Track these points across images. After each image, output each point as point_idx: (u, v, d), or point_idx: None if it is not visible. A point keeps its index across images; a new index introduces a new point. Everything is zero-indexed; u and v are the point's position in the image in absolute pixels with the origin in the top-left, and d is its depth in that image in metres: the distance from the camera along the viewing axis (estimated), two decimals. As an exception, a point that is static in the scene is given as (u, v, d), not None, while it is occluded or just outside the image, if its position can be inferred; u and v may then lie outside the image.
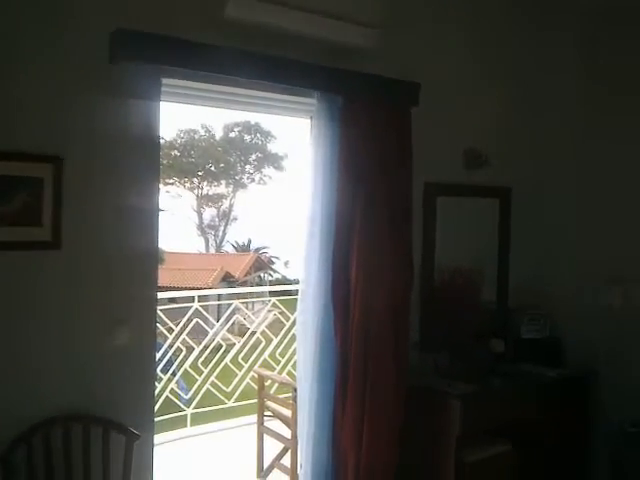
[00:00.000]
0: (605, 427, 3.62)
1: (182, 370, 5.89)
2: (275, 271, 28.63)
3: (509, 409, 3.42)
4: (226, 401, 5.87)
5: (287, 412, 4.14)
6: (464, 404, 3.15)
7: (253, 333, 6.23)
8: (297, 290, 3.18)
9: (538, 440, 3.52)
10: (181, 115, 24.34)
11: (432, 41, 3.63)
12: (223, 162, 28.48)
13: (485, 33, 3.87)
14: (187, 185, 28.75)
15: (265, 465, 4.43)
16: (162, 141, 3.01)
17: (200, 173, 28.26)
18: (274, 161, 28.96)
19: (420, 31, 3.57)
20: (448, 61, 3.67)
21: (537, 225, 4.12)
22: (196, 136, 27.70)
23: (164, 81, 2.70)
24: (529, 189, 4.06)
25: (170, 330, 5.75)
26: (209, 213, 30.20)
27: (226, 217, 30.26)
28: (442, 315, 3.51)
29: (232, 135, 28.20)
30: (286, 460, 4.17)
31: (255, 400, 4.64)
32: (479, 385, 3.35)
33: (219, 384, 5.88)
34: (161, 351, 5.42)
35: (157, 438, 3.39)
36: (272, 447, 4.40)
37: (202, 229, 30.14)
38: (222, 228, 30.41)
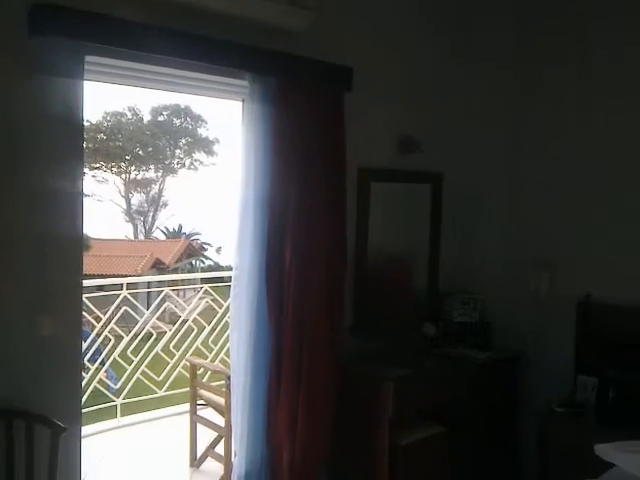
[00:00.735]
0: (533, 407, 3.73)
1: (111, 359, 5.73)
2: (207, 258, 28.27)
3: (441, 391, 3.48)
4: (157, 390, 5.75)
5: (220, 400, 4.09)
6: (397, 387, 3.18)
7: (185, 321, 6.12)
8: (230, 277, 3.13)
9: (470, 421, 3.59)
10: (108, 97, 23.56)
11: (367, 26, 3.60)
12: (152, 146, 27.79)
13: (421, 18, 3.89)
14: (114, 170, 27.97)
15: (198, 454, 4.37)
16: (87, 124, 2.89)
17: (128, 157, 27.52)
18: (205, 146, 28.48)
19: (355, 15, 3.54)
20: (383, 46, 3.66)
21: (468, 210, 4.19)
22: (123, 119, 26.92)
23: (87, 59, 2.57)
24: (460, 174, 4.12)
25: (98, 319, 5.58)
26: (137, 198, 29.49)
27: (155, 203, 29.61)
28: (376, 300, 3.53)
29: (161, 119, 27.53)
30: (220, 448, 4.12)
31: (187, 389, 4.55)
32: (412, 368, 3.39)
33: (150, 373, 5.76)
34: (88, 340, 5.24)
35: (85, 430, 3.28)
36: (205, 436, 4.34)
37: (130, 215, 29.41)
38: (151, 214, 29.75)
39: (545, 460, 3.42)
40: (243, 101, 3.12)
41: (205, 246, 29.26)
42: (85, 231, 2.75)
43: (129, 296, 5.73)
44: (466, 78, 4.06)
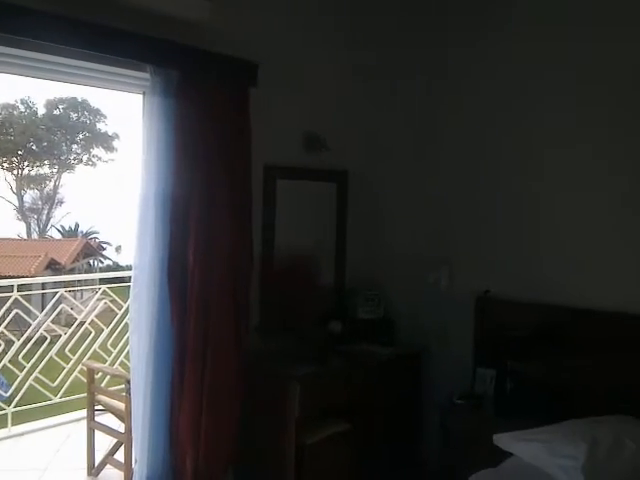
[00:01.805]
0: (436, 400, 3.82)
1: (1, 365, 5.40)
2: (106, 257, 27.34)
3: (347, 388, 3.50)
4: (52, 397, 5.48)
5: (120, 405, 3.92)
6: (303, 386, 3.16)
7: (82, 323, 5.86)
8: (130, 277, 3.00)
9: (376, 416, 3.64)
10: (-2, 89, 22.29)
11: (273, 22, 3.56)
12: (47, 141, 26.54)
13: (328, 16, 3.89)
14: (5, 165, 26.51)
15: (97, 462, 4.18)
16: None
17: (20, 152, 26.14)
18: (104, 141, 27.50)
19: (261, 11, 3.49)
20: (289, 42, 3.64)
21: (372, 208, 4.24)
22: (15, 112, 25.55)
23: (-28, 45, 2.40)
24: (364, 172, 4.17)
25: (-15, 323, 5.24)
26: (31, 195, 28.09)
27: (50, 200, 28.33)
28: (282, 298, 3.50)
29: (56, 112, 26.35)
30: (119, 455, 3.96)
31: (85, 394, 4.35)
32: (318, 366, 3.39)
33: (44, 379, 5.47)
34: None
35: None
36: (104, 443, 4.16)
37: (23, 213, 27.97)
38: (46, 212, 28.44)
39: (447, 451, 3.51)
40: (144, 94, 3.01)
41: (104, 245, 28.29)
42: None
43: (21, 298, 5.41)
44: (370, 74, 4.10)
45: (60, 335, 5.72)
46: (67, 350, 5.63)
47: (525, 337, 3.50)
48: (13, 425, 5.01)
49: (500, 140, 3.80)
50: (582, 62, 3.41)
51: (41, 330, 5.66)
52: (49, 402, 5.47)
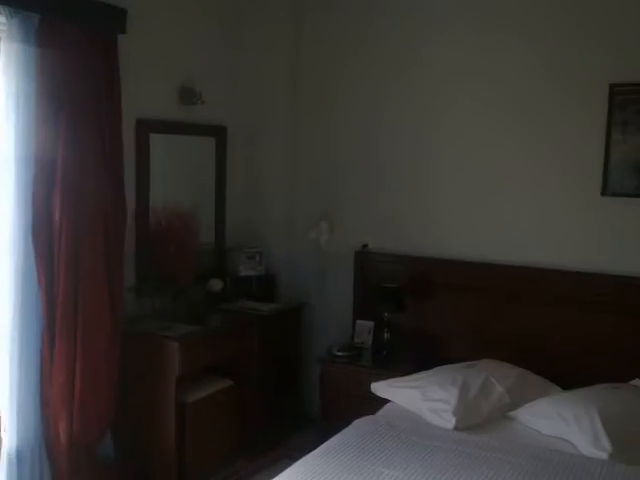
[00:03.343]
0: (317, 353, 3.90)
1: None
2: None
3: (228, 346, 3.50)
4: None
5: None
6: (182, 345, 3.12)
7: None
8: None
9: (259, 372, 3.66)
10: None
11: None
12: None
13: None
14: None
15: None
16: None
17: None
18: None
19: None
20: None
21: (252, 164, 4.19)
22: None
23: None
24: (244, 128, 4.10)
25: None
26: None
27: None
28: (159, 257, 3.40)
29: None
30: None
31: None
32: (198, 325, 3.35)
33: None
34: None
35: None
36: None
37: None
38: None
39: (327, 402, 3.61)
40: (0, 40, 2.76)
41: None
42: None
43: None
44: (251, 26, 4.00)
45: None
46: None
47: (399, 288, 3.62)
48: None
49: (377, 93, 3.84)
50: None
51: None
52: None
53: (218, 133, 3.97)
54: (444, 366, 3.29)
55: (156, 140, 3.52)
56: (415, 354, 3.62)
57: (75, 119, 2.81)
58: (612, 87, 3.22)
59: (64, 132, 2.78)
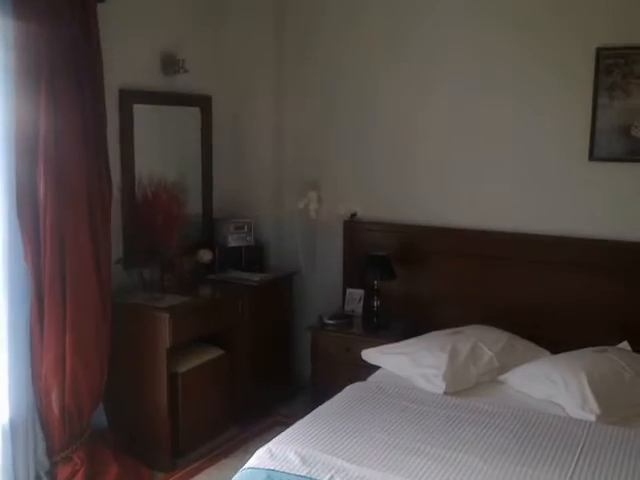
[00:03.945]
0: (308, 322, 3.91)
1: None
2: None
3: (219, 316, 3.50)
4: None
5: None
6: (173, 316, 3.11)
7: None
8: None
9: (250, 341, 3.67)
10: None
11: None
12: None
13: None
14: None
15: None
16: None
17: None
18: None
19: None
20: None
21: (239, 134, 4.15)
22: None
23: None
24: (230, 98, 4.04)
25: None
26: None
27: None
28: (147, 229, 3.37)
29: None
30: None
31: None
32: (188, 296, 3.35)
33: None
34: None
35: None
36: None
37: None
38: None
39: (318, 370, 3.64)
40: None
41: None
42: None
43: None
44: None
45: None
46: None
47: (388, 257, 3.63)
48: None
49: (364, 59, 3.80)
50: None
51: None
52: None
53: (203, 103, 3.92)
54: (434, 332, 3.31)
55: (140, 111, 3.46)
56: (405, 321, 3.64)
57: (56, 91, 2.75)
58: (598, 51, 3.20)
59: (45, 105, 2.72)
